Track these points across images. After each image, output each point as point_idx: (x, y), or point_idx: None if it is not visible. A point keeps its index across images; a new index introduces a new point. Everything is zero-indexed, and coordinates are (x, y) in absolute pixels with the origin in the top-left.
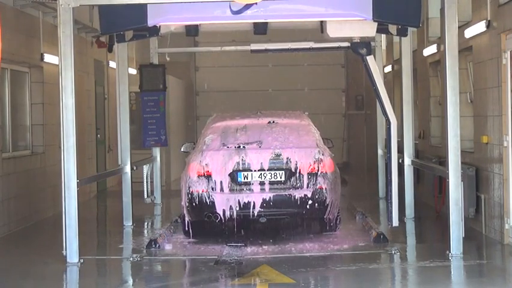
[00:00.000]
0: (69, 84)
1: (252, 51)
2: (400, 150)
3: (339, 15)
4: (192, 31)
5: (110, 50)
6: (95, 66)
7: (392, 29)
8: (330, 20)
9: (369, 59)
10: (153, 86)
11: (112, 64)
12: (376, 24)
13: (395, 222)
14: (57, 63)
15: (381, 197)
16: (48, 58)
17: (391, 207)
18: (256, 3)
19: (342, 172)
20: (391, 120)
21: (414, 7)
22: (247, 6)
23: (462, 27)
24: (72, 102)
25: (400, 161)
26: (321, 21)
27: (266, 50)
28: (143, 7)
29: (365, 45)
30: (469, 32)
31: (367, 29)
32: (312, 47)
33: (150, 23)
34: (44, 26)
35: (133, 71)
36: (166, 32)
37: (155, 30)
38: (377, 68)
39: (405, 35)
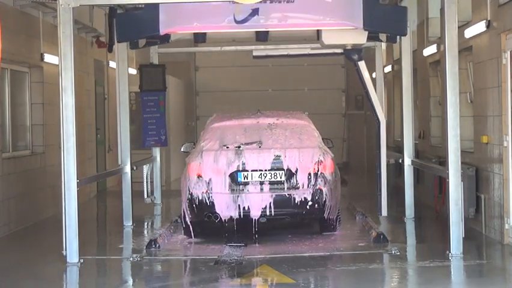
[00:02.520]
0: (69, 84)
1: (254, 56)
2: (400, 150)
3: (333, 24)
4: (200, 38)
5: (110, 50)
6: (95, 66)
7: (382, 36)
8: (325, 29)
9: (361, 64)
10: (153, 86)
11: (112, 64)
12: (367, 32)
13: (384, 212)
14: (57, 63)
15: None
16: (48, 58)
17: (380, 198)
18: (258, 8)
19: (342, 172)
20: (380, 120)
21: (401, 17)
22: (252, 14)
23: (462, 27)
24: (72, 102)
25: (400, 161)
26: (317, 30)
27: (267, 56)
28: (155, 17)
29: (356, 52)
30: (469, 32)
31: (358, 36)
32: (309, 52)
33: (162, 31)
34: (44, 26)
35: (133, 71)
36: (175, 38)
37: (166, 37)
38: (367, 72)
39: (395, 42)
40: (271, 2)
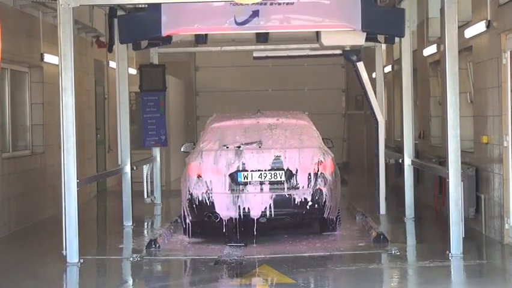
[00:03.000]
0: (69, 84)
1: (255, 58)
2: (400, 150)
3: (332, 26)
4: (201, 39)
5: (110, 50)
6: (95, 66)
7: (380, 37)
8: (324, 30)
9: (359, 65)
10: (153, 86)
11: (112, 64)
12: (365, 34)
13: (382, 210)
14: (57, 63)
15: None
16: (48, 58)
17: (378, 197)
18: (258, 10)
19: (342, 172)
20: (378, 120)
21: (398, 18)
22: (253, 16)
23: (462, 27)
24: (72, 102)
25: (400, 161)
26: (317, 31)
27: (267, 57)
28: (157, 19)
29: (355, 53)
30: (469, 32)
31: (357, 38)
32: (309, 53)
33: (164, 32)
34: (44, 26)
35: (133, 71)
36: (177, 40)
37: (168, 38)
38: (366, 73)
39: (393, 43)
40: (271, 4)
